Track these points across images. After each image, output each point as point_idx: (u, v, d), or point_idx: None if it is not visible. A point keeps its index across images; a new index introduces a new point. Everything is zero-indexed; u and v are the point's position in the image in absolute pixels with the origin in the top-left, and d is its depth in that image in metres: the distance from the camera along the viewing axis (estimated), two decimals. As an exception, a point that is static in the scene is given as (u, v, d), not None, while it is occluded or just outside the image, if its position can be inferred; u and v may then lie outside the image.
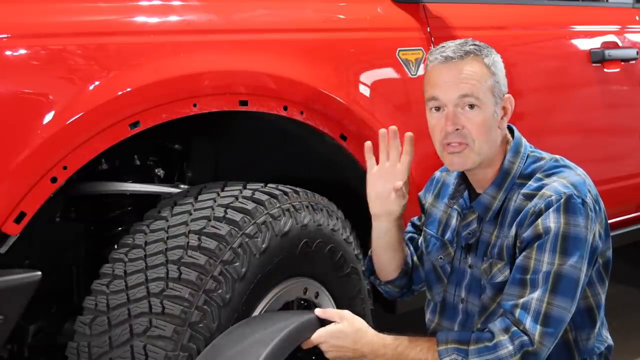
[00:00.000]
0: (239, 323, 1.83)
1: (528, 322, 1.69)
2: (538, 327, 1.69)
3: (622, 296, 3.91)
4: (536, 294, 1.71)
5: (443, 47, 1.82)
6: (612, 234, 2.95)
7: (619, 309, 3.61)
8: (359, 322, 1.81)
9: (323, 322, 1.83)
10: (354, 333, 1.79)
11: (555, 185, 1.76)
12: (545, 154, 1.87)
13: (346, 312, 1.84)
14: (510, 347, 1.69)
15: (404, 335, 1.80)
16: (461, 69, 1.77)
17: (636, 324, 3.59)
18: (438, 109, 1.81)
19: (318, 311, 1.84)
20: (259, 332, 1.75)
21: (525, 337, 1.69)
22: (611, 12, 3.25)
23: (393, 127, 1.94)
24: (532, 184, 1.80)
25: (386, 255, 2.04)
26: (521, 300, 1.72)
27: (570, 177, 1.78)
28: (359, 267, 2.22)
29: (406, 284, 2.09)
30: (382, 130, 1.95)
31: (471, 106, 1.77)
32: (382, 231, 1.99)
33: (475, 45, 1.81)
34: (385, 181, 1.93)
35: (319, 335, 1.79)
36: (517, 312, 1.71)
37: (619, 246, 3.07)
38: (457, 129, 1.78)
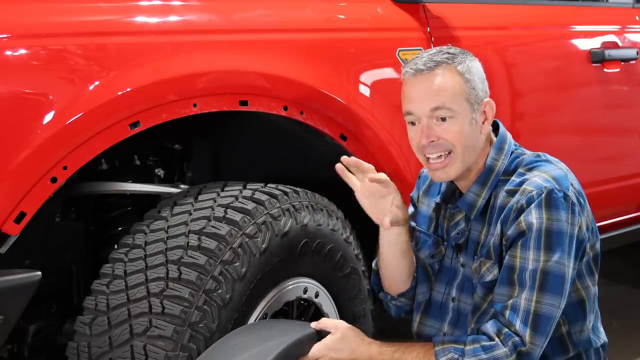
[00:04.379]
0: (235, 331, 1.82)
1: (518, 323, 1.70)
2: (528, 328, 1.70)
3: (622, 296, 3.91)
4: (524, 294, 1.71)
5: (416, 57, 1.82)
6: (612, 234, 2.97)
7: (619, 309, 3.62)
8: (355, 331, 1.80)
9: (319, 335, 1.81)
10: (350, 343, 1.78)
11: (537, 180, 1.75)
12: (527, 151, 1.87)
13: (341, 322, 1.83)
14: (505, 348, 1.69)
15: (399, 342, 1.79)
16: (432, 81, 1.77)
17: (636, 324, 3.59)
18: (414, 123, 1.82)
19: (313, 324, 1.83)
20: (255, 346, 1.73)
21: (517, 338, 1.70)
22: (611, 12, 3.25)
23: (339, 165, 1.86)
24: (514, 179, 1.80)
25: (399, 264, 1.97)
26: (510, 301, 1.72)
27: (551, 171, 1.78)
28: (359, 267, 2.22)
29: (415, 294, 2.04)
30: (339, 166, 1.87)
31: (444, 118, 1.77)
32: (394, 238, 1.93)
33: (447, 53, 1.79)
34: (376, 197, 1.87)
35: (318, 350, 1.78)
36: (507, 313, 1.72)
37: (619, 246, 3.07)
38: (432, 141, 1.78)
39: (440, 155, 1.79)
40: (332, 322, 1.83)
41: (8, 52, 1.68)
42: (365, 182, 1.87)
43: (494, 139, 1.87)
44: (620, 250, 3.12)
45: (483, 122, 1.81)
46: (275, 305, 1.98)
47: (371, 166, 1.88)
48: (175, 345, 1.72)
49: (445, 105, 1.76)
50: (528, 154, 1.85)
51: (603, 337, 1.94)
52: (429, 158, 1.81)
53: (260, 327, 1.88)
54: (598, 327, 1.93)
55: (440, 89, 1.76)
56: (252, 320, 1.91)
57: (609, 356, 1.97)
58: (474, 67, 1.81)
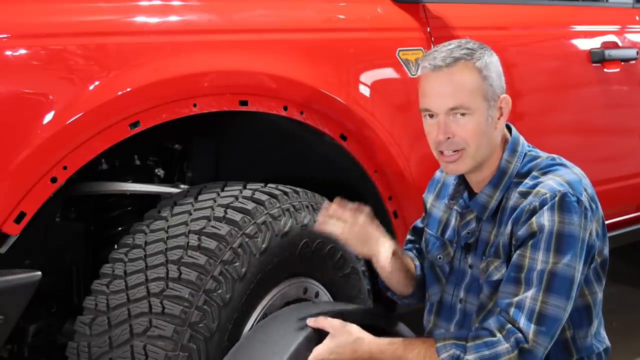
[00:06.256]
0: (236, 346, 1.82)
1: (522, 321, 1.70)
2: (532, 325, 1.69)
3: (622, 296, 3.92)
4: (530, 293, 1.71)
5: (435, 51, 1.81)
6: (612, 234, 2.96)
7: (620, 309, 3.62)
8: (355, 331, 1.79)
9: (318, 333, 1.79)
10: (351, 344, 1.77)
11: (551, 184, 1.76)
12: (542, 153, 1.88)
13: (338, 322, 1.80)
14: (507, 344, 1.69)
15: (400, 339, 1.79)
16: (450, 78, 1.77)
17: (636, 324, 3.59)
18: (431, 115, 1.82)
19: (310, 321, 1.81)
20: (259, 354, 1.74)
21: (520, 335, 1.69)
22: (611, 12, 3.25)
23: (327, 206, 1.93)
24: (528, 182, 1.81)
25: (395, 279, 2.02)
26: (515, 299, 1.72)
27: (565, 175, 1.78)
28: (359, 267, 2.22)
29: (424, 290, 2.07)
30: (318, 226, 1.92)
31: (462, 114, 1.78)
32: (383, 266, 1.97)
33: (466, 49, 1.79)
34: (361, 240, 1.91)
35: (318, 354, 1.77)
36: (512, 310, 1.72)
37: (619, 246, 3.07)
38: (449, 138, 1.79)
39: (455, 150, 1.80)
40: (329, 323, 1.81)
41: (8, 52, 1.68)
42: (349, 225, 1.89)
43: (509, 137, 1.88)
44: (620, 250, 3.11)
45: (499, 118, 1.82)
46: (275, 305, 1.98)
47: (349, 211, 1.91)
48: (175, 345, 1.72)
49: (463, 104, 1.77)
50: (543, 157, 1.85)
51: (606, 343, 1.94)
52: (442, 152, 1.82)
53: (256, 337, 1.85)
54: (600, 333, 1.93)
55: (458, 88, 1.77)
56: (252, 320, 1.92)
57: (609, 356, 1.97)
58: (492, 62, 1.80)
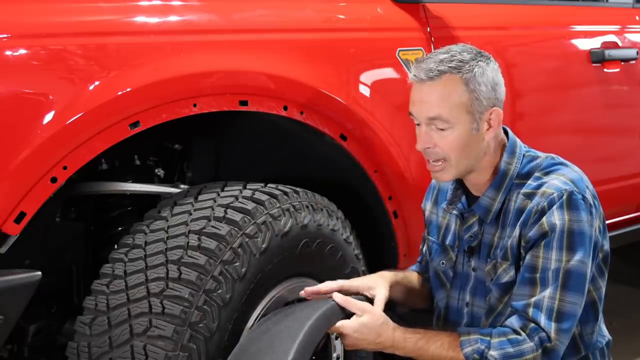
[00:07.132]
0: (262, 321, 1.86)
1: (542, 320, 1.72)
2: (553, 324, 1.72)
3: (622, 296, 3.92)
4: (547, 292, 1.73)
5: (425, 60, 1.81)
6: (612, 234, 2.97)
7: (619, 309, 3.62)
8: (382, 316, 1.81)
9: (345, 315, 1.83)
10: (377, 327, 1.79)
11: (555, 183, 1.77)
12: (540, 153, 1.90)
13: (367, 305, 1.83)
14: (532, 343, 1.72)
15: (424, 329, 1.82)
16: (431, 91, 1.78)
17: (636, 324, 3.59)
18: (417, 124, 1.84)
19: (338, 298, 1.83)
20: (285, 324, 1.77)
21: (543, 333, 1.72)
22: (611, 12, 3.25)
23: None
24: (531, 182, 1.82)
25: (408, 302, 2.07)
26: (533, 299, 1.74)
27: (568, 174, 1.80)
28: (359, 267, 2.22)
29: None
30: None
31: (441, 128, 1.78)
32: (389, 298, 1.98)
33: (457, 61, 1.77)
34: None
35: (343, 327, 1.79)
36: (531, 311, 1.73)
37: (619, 246, 3.07)
38: (428, 147, 1.81)
39: (437, 160, 1.82)
40: (357, 305, 1.83)
41: (8, 52, 1.67)
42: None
43: (506, 142, 1.88)
44: (620, 250, 3.12)
45: (487, 129, 1.81)
46: (275, 305, 1.98)
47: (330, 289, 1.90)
48: (175, 345, 1.72)
49: (442, 117, 1.77)
50: (542, 157, 1.87)
51: (607, 336, 1.96)
52: (428, 160, 1.85)
53: (283, 311, 1.90)
54: (601, 327, 1.95)
55: (438, 101, 1.77)
56: (252, 320, 1.92)
57: (609, 356, 1.98)
58: (484, 74, 1.78)
